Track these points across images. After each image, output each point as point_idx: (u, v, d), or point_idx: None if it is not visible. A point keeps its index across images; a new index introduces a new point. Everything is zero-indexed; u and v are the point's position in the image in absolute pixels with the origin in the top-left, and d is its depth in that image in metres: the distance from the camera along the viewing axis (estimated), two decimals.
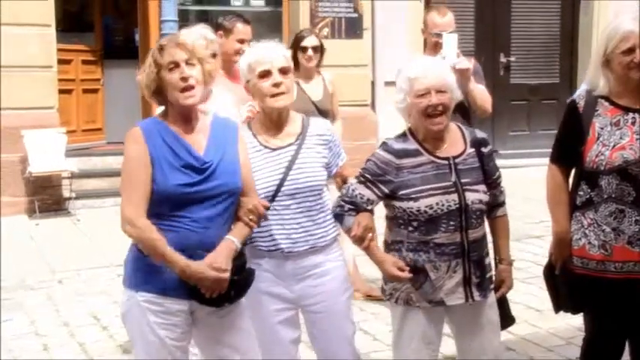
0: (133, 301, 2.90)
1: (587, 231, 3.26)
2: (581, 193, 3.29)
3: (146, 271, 2.87)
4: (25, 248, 6.99)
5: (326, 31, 9.40)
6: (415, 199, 3.02)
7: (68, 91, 9.44)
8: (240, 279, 2.90)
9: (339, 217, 3.16)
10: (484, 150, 3.17)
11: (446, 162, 3.10)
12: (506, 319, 3.33)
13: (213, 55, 4.00)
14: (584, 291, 3.28)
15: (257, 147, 3.16)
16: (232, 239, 2.90)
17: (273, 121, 3.19)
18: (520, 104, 11.20)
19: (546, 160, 3.41)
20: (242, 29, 4.85)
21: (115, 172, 8.84)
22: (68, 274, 6.22)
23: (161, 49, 2.86)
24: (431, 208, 3.02)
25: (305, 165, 3.16)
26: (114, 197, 8.52)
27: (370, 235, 3.08)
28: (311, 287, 3.19)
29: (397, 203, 3.07)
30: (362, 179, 3.11)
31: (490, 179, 3.17)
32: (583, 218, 3.28)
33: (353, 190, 3.12)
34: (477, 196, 3.08)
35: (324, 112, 5.39)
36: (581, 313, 3.45)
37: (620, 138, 3.18)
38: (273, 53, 3.17)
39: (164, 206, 2.83)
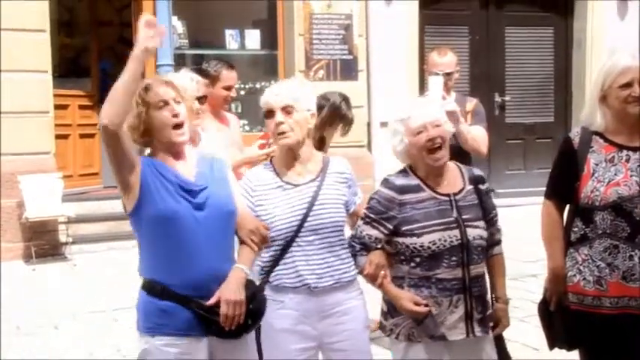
0: (150, 347, 2.89)
1: (581, 267, 3.26)
2: (575, 229, 3.30)
3: (159, 315, 2.87)
4: (22, 294, 6.94)
5: (321, 73, 9.48)
6: (418, 235, 3.07)
7: (65, 136, 9.47)
8: (255, 307, 2.91)
9: (352, 257, 3.21)
10: (481, 187, 3.24)
11: (447, 198, 3.15)
12: (503, 358, 3.32)
13: (205, 97, 4.04)
14: (579, 327, 3.27)
15: (278, 183, 3.19)
16: (241, 267, 2.92)
17: (300, 157, 3.21)
18: (516, 143, 11.26)
19: (538, 199, 3.42)
20: (227, 75, 4.90)
21: (111, 216, 8.88)
22: (65, 320, 6.17)
23: (147, 88, 2.88)
24: (434, 243, 3.05)
25: (327, 201, 3.20)
26: (110, 242, 8.52)
27: (383, 272, 3.12)
28: (334, 325, 3.19)
29: (400, 239, 3.11)
30: (367, 220, 3.16)
31: (487, 216, 3.22)
32: (577, 254, 3.28)
33: (361, 232, 3.17)
34: (477, 232, 3.13)
35: None
36: (577, 350, 3.42)
37: (615, 174, 3.20)
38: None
39: (173, 232, 2.82)
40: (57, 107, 8.95)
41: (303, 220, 3.13)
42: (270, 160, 3.31)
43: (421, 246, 3.06)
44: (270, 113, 3.17)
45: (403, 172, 3.22)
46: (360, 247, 3.17)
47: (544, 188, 3.44)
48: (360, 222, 3.20)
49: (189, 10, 9.71)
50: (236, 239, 3.06)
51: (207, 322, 2.84)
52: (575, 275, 3.27)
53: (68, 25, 10.53)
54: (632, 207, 3.15)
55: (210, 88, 4.82)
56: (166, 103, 2.88)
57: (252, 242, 2.98)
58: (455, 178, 3.23)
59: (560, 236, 3.34)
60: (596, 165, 3.24)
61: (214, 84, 4.86)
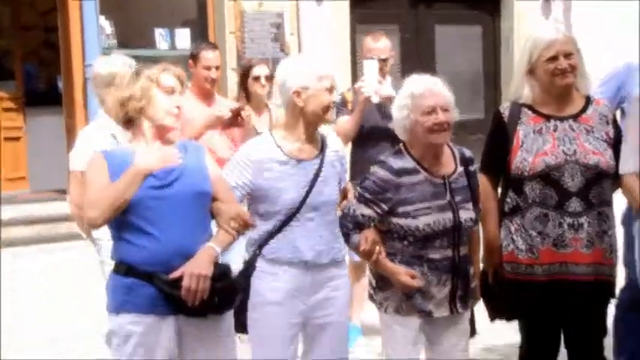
0: (115, 325, 2.87)
1: (514, 236, 3.29)
2: (508, 200, 3.34)
3: (124, 292, 2.85)
4: None
5: None
6: (414, 217, 3.10)
7: None
8: (224, 286, 2.87)
9: (344, 236, 3.22)
10: (471, 168, 3.29)
11: (441, 181, 3.19)
12: (470, 330, 3.39)
13: None
14: (515, 296, 3.30)
15: (281, 157, 3.16)
16: (212, 245, 2.89)
17: (308, 134, 3.20)
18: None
19: None
20: (206, 56, 4.97)
21: (40, 219, 8.66)
22: None
23: (164, 70, 2.95)
24: (429, 226, 3.10)
25: (328, 179, 3.21)
26: (39, 244, 8.30)
27: (378, 248, 3.14)
28: (325, 300, 3.22)
29: (395, 219, 3.14)
30: (362, 199, 3.16)
31: (474, 196, 3.27)
32: (510, 224, 3.31)
33: (354, 211, 3.17)
34: (468, 214, 3.19)
35: None
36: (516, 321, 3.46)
37: (543, 144, 3.24)
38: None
39: (136, 215, 2.81)
40: None
41: (306, 198, 3.14)
42: (271, 134, 3.27)
43: (416, 227, 3.10)
44: (332, 89, 3.18)
45: (398, 152, 3.23)
46: (352, 225, 3.18)
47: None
48: (353, 201, 3.21)
49: (117, 10, 9.53)
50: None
51: (171, 298, 2.80)
52: (509, 245, 3.31)
53: None
54: (559, 175, 3.19)
55: (194, 69, 4.97)
56: (173, 91, 2.94)
57: (232, 229, 2.94)
58: (448, 159, 3.26)
59: (493, 208, 3.37)
60: (525, 136, 3.28)
61: (196, 64, 4.97)
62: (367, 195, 3.16)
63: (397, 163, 3.17)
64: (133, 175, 2.81)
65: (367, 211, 3.16)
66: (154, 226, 2.82)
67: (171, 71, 2.98)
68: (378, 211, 3.15)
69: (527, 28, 11.30)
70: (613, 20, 10.27)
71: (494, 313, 3.46)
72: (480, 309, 3.46)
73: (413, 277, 3.12)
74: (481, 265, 3.46)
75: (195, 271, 2.78)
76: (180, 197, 2.87)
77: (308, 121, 3.18)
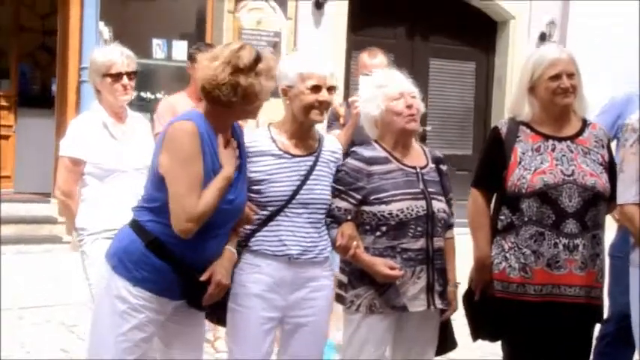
0: (122, 289, 2.87)
1: (507, 254, 3.27)
2: (502, 217, 3.32)
3: (150, 271, 2.86)
4: None
5: None
6: (387, 203, 3.13)
7: None
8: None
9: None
10: (442, 167, 3.35)
11: (413, 170, 3.24)
12: (448, 343, 3.36)
13: (135, 73, 3.95)
14: (503, 315, 3.27)
15: (275, 151, 3.16)
16: (233, 251, 3.02)
17: (302, 131, 3.19)
18: None
19: (461, 230, 3.44)
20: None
21: (21, 219, 8.57)
22: None
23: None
24: (402, 212, 3.12)
25: (320, 177, 3.20)
26: (18, 245, 8.22)
27: (355, 243, 3.14)
28: (304, 300, 3.18)
29: (368, 208, 3.16)
30: (336, 192, 3.19)
31: (446, 197, 3.30)
32: (504, 242, 3.29)
33: (330, 205, 3.19)
34: (441, 205, 3.23)
35: None
36: (500, 342, 3.41)
37: (541, 163, 3.25)
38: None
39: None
40: None
41: (296, 193, 3.12)
42: (268, 126, 3.25)
43: (389, 214, 3.12)
44: (316, 88, 3.11)
45: (369, 145, 3.29)
46: (329, 220, 3.19)
47: (461, 219, 3.45)
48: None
49: (116, 17, 9.54)
50: None
51: (187, 289, 2.91)
52: (501, 263, 3.28)
53: None
54: (557, 195, 3.19)
55: (192, 71, 5.05)
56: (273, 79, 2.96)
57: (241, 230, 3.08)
58: (419, 154, 3.34)
59: (486, 224, 3.36)
60: (523, 154, 3.28)
61: (194, 66, 5.00)
62: (340, 187, 3.19)
63: (368, 152, 3.23)
64: (225, 185, 2.85)
65: (342, 204, 3.18)
66: (204, 234, 2.86)
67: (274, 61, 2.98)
68: (353, 201, 3.17)
69: (520, 67, 11.41)
70: (608, 57, 10.37)
71: (478, 333, 3.42)
72: (456, 327, 3.42)
73: (392, 268, 3.12)
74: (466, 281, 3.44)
75: (223, 282, 2.93)
76: (236, 211, 2.97)
77: (296, 119, 3.18)
